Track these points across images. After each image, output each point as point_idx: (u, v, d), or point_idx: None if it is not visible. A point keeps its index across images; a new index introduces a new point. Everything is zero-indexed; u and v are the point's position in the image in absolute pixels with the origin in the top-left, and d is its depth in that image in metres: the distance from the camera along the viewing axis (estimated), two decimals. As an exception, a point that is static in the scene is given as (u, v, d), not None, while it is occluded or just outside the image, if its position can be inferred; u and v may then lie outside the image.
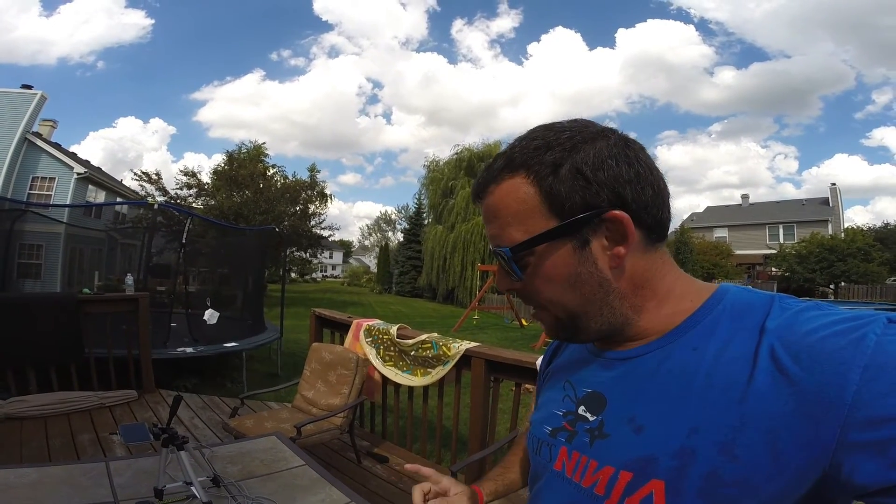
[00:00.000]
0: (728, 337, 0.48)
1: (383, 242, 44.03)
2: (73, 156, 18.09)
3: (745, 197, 35.49)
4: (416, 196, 30.95)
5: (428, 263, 25.79)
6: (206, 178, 19.49)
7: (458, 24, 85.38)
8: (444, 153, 37.16)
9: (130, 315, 4.52)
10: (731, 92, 69.27)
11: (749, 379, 0.44)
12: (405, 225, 34.94)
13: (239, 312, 8.16)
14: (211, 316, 6.62)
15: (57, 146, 17.67)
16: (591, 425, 0.55)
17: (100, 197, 18.14)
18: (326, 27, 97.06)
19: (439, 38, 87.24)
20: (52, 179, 16.41)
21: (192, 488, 1.56)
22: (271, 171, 21.09)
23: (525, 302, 0.60)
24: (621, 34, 76.63)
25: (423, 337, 3.09)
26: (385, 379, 3.33)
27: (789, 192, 60.77)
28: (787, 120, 69.42)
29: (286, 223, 18.78)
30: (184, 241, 7.10)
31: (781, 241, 27.48)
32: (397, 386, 3.28)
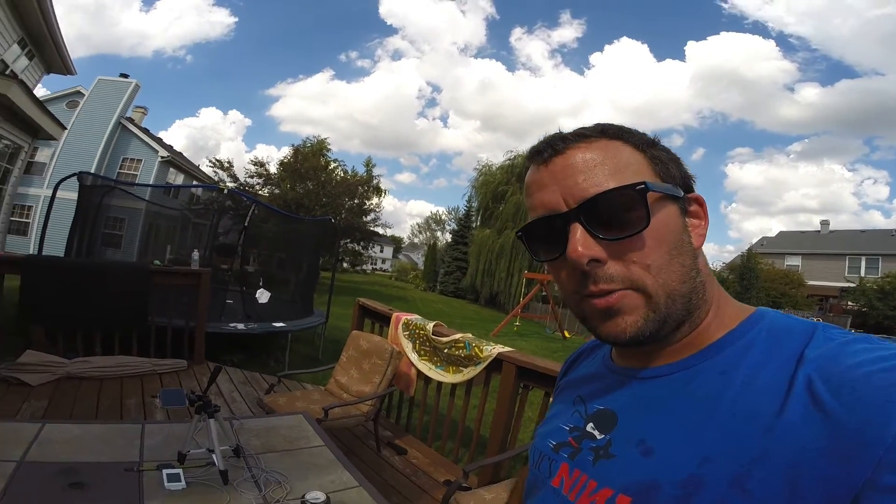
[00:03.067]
0: (761, 362, 0.44)
1: (432, 241, 44.49)
2: (159, 140, 19.68)
3: (825, 223, 32.30)
4: (466, 198, 30.80)
5: (473, 265, 25.70)
6: (273, 168, 20.57)
7: (517, 33, 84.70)
8: (498, 158, 36.85)
9: (192, 289, 4.80)
10: (814, 110, 64.11)
11: (780, 410, 0.40)
12: (454, 226, 35.03)
13: (290, 295, 8.48)
14: (262, 295, 6.96)
15: (146, 131, 19.34)
16: (598, 444, 0.52)
17: (178, 179, 19.80)
18: (391, 31, 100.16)
19: (497, 46, 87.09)
20: (139, 161, 18.22)
21: (213, 456, 1.61)
22: (332, 166, 21.95)
23: (605, 282, 0.46)
24: (691, 47, 73.06)
25: (457, 336, 3.07)
26: (418, 374, 3.33)
27: (877, 220, 55.38)
28: (879, 142, 62.22)
29: (343, 215, 19.48)
30: (247, 225, 7.47)
31: (863, 273, 24.79)
32: (427, 381, 3.27)
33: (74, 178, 6.23)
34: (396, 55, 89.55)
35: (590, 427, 0.54)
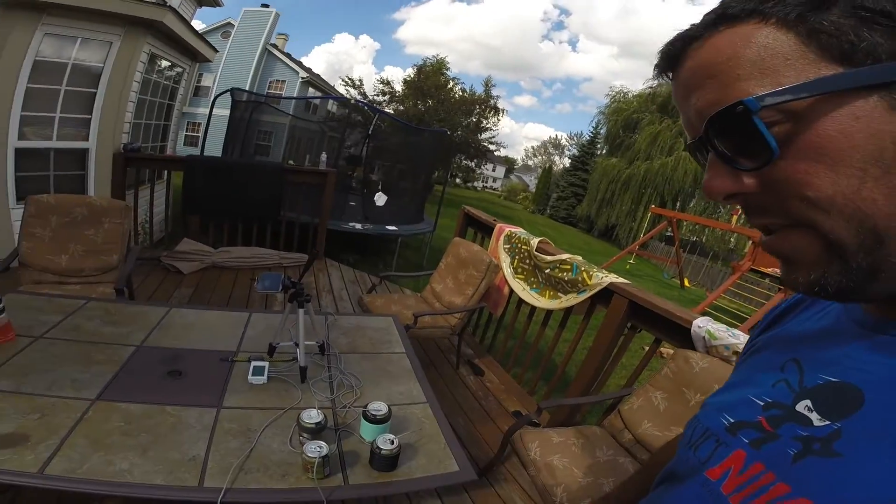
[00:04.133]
0: None
1: (547, 164, 42.24)
2: (300, 63, 21.03)
3: None
4: (593, 125, 28.31)
5: (592, 194, 23.85)
6: (398, 87, 21.05)
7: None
8: (637, 86, 32.27)
9: (318, 188, 5.02)
10: None
11: None
12: (574, 152, 32.65)
13: (404, 202, 8.74)
14: (379, 198, 7.18)
15: (288, 55, 20.75)
16: (812, 432, 0.34)
17: (316, 98, 21.23)
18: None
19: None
20: (283, 82, 19.99)
21: (297, 350, 1.57)
22: (451, 84, 21.59)
23: (757, 216, 0.36)
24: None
25: (565, 256, 2.67)
26: (510, 293, 3.08)
27: None
28: None
29: (459, 132, 19.56)
30: (370, 133, 7.60)
31: None
32: (519, 303, 3.01)
33: (228, 96, 6.87)
34: (519, -25, 79.38)
35: (803, 406, 0.36)
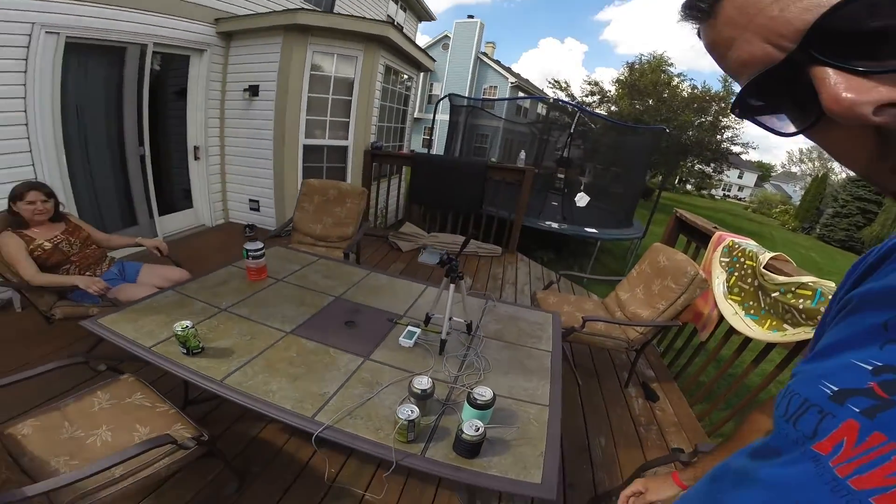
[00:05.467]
0: None
1: (820, 172, 31.73)
2: (509, 70, 21.96)
3: None
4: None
5: (891, 211, 16.76)
6: (608, 86, 19.69)
7: None
8: None
9: (516, 185, 5.08)
10: None
11: None
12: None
13: (609, 205, 8.00)
14: (581, 199, 6.74)
15: (497, 62, 21.82)
16: None
17: (524, 102, 21.86)
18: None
19: None
20: (495, 87, 21.22)
21: (447, 323, 1.56)
22: (675, 81, 18.81)
23: None
24: None
25: (806, 280, 1.90)
26: (720, 318, 2.40)
27: None
28: None
29: (691, 133, 17.08)
30: (571, 132, 7.26)
31: None
32: (732, 329, 2.30)
33: (448, 101, 7.64)
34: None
35: None
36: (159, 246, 2.40)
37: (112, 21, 3.13)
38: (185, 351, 1.39)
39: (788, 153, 50.69)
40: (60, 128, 2.93)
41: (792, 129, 0.31)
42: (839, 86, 0.26)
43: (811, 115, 0.29)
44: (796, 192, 38.22)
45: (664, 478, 0.87)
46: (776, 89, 0.30)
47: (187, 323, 1.38)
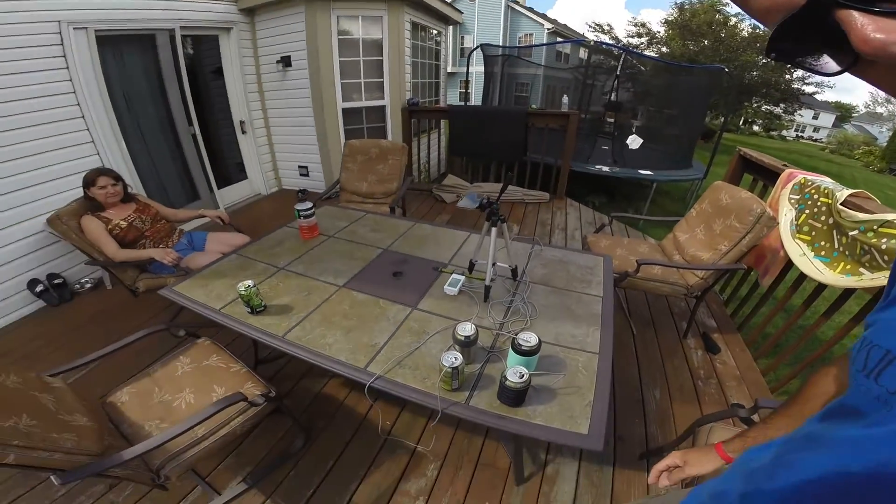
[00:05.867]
0: None
1: (911, 113, 27.01)
2: (544, 16, 20.32)
3: None
4: None
5: None
6: (656, 27, 18.35)
7: None
8: None
9: (561, 131, 4.79)
10: None
11: None
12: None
13: (665, 147, 7.36)
14: (633, 141, 6.25)
15: (530, 9, 20.14)
16: None
17: (565, 47, 20.18)
18: None
19: None
20: (530, 35, 19.71)
21: (490, 268, 1.53)
22: (732, 21, 16.98)
23: None
24: None
25: (892, 217, 1.64)
26: (788, 260, 2.16)
27: None
28: None
29: (755, 73, 15.88)
30: (618, 74, 6.65)
31: None
32: (803, 276, 2.08)
33: (480, 52, 7.16)
34: None
35: None
36: (221, 215, 2.55)
37: (134, 10, 3.19)
38: (249, 310, 1.48)
39: (872, 93, 43.68)
40: (114, 117, 3.10)
41: (835, 67, 0.30)
42: (867, 27, 0.25)
43: (849, 55, 0.27)
44: (882, 133, 33.37)
45: (706, 450, 0.80)
46: (806, 33, 0.29)
47: (249, 282, 1.46)
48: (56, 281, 2.82)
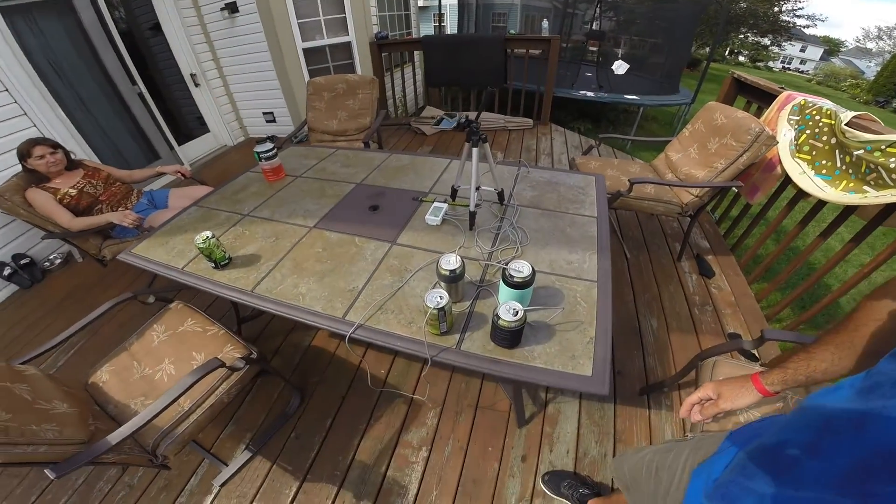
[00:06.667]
0: None
1: (900, 49, 25.88)
2: None
3: None
4: None
5: None
6: None
7: None
8: None
9: (543, 58, 4.42)
10: None
11: None
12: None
13: (651, 72, 6.95)
14: (619, 67, 5.85)
15: None
16: None
17: None
18: None
19: None
20: None
21: (474, 193, 1.36)
22: None
23: None
24: None
25: None
26: (783, 177, 2.03)
27: None
28: None
29: (743, 4, 15.15)
30: (600, 1, 6.13)
31: None
32: (796, 197, 1.95)
33: None
34: None
35: None
36: (180, 170, 2.30)
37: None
38: (213, 265, 1.32)
39: (864, 29, 41.71)
40: (44, 86, 2.77)
41: None
42: None
43: None
44: (870, 68, 32.42)
45: (741, 381, 0.71)
46: None
47: (207, 233, 1.28)
48: (23, 261, 2.60)
